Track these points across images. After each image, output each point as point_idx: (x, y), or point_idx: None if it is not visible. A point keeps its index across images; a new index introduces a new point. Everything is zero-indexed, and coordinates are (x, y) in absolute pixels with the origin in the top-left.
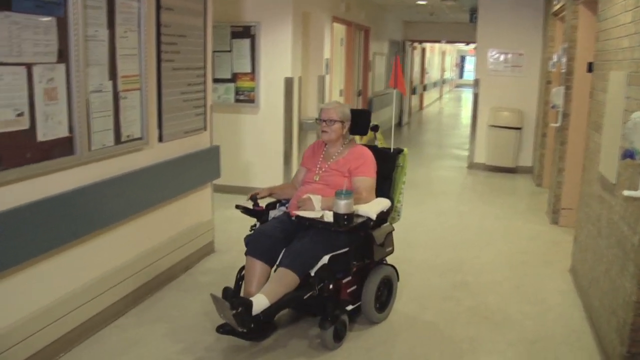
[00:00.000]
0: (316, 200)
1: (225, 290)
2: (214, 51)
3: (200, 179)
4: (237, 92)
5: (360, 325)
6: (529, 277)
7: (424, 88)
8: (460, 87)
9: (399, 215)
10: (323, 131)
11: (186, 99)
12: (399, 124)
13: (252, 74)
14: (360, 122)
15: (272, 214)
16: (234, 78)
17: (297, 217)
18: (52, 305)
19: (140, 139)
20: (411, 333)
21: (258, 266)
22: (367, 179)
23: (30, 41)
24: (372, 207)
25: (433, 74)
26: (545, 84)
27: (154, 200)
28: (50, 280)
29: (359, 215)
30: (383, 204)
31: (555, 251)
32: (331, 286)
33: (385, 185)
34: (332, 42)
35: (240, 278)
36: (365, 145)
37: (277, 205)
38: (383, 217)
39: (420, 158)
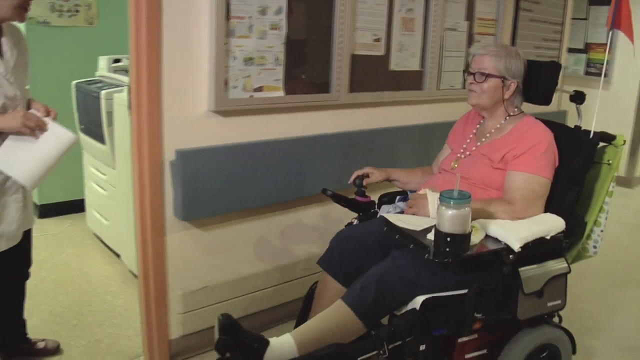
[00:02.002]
0: (433, 199)
1: (221, 317)
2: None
3: None
4: (589, 63)
5: None
6: None
7: None
8: None
9: (595, 248)
10: (470, 90)
11: (539, 54)
12: None
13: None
14: (539, 83)
15: (385, 210)
16: (587, 48)
17: (387, 224)
18: None
19: None
20: None
21: (331, 287)
22: (530, 176)
23: None
24: (518, 229)
25: None
26: None
27: None
28: None
29: (490, 238)
30: (548, 225)
31: None
32: (423, 347)
33: (570, 193)
34: None
35: (312, 294)
36: (545, 121)
37: (397, 198)
38: (548, 248)
39: None
